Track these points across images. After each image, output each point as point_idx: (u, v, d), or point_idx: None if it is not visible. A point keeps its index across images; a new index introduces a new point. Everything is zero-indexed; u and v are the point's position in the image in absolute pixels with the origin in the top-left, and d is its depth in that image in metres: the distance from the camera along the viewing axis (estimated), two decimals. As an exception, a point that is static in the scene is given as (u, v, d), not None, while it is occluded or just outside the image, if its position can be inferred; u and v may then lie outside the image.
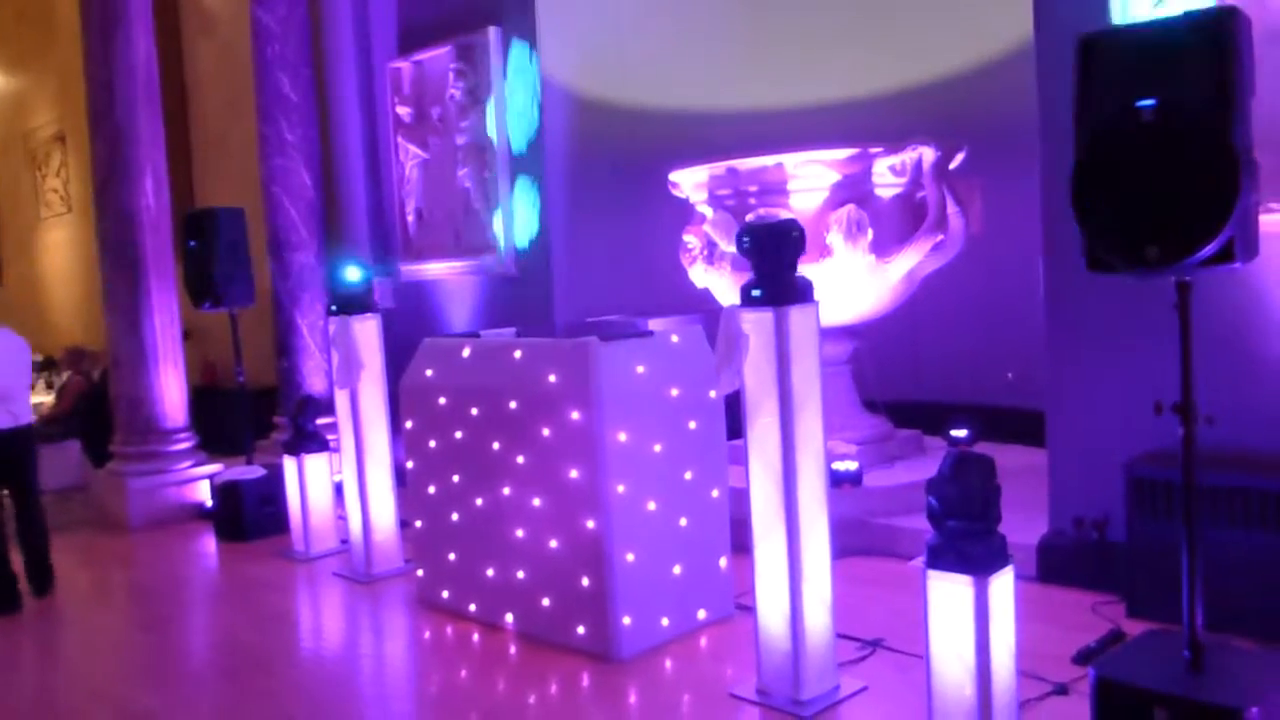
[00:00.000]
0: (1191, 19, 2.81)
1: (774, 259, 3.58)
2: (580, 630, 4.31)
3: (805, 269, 3.68)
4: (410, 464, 5.06)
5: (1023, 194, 5.58)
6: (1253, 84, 2.82)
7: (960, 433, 6.28)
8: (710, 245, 5.84)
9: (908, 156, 5.45)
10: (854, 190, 5.49)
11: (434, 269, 7.79)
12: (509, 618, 4.65)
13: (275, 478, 6.67)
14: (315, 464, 6.23)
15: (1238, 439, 3.96)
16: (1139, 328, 4.35)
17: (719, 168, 5.66)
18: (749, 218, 5.47)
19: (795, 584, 3.59)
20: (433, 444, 4.91)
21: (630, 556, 4.21)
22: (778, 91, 7.45)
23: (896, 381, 6.51)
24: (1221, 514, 3.96)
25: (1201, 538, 3.05)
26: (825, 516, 3.66)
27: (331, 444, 6.26)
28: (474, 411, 4.67)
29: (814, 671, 3.66)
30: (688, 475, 4.44)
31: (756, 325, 3.58)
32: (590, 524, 4.20)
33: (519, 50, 7.02)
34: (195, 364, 9.54)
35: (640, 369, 4.33)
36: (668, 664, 4.20)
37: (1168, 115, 2.75)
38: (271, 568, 6.11)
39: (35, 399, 6.95)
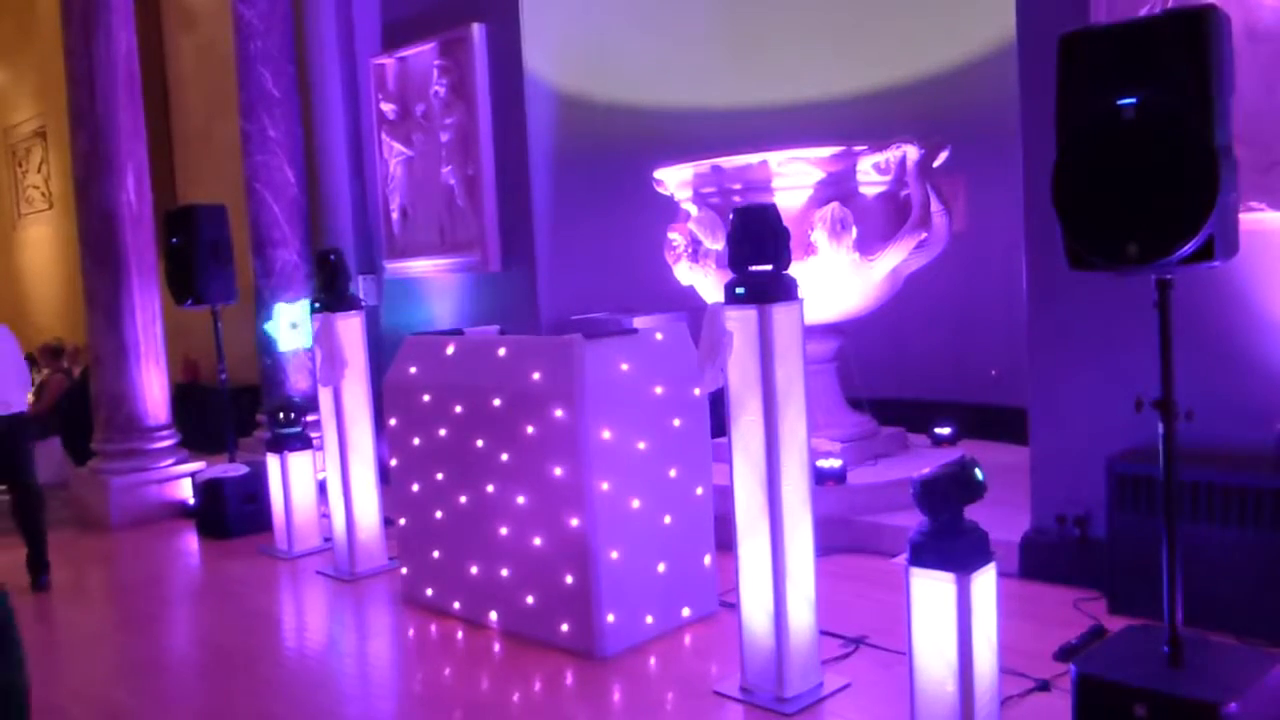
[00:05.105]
0: (1172, 18, 2.83)
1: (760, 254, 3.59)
2: (564, 628, 4.31)
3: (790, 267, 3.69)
4: (394, 461, 5.04)
5: (1006, 192, 5.61)
6: (1233, 82, 2.84)
7: (944, 430, 6.38)
8: (695, 243, 5.84)
9: (892, 155, 5.47)
10: (838, 188, 5.50)
11: (418, 266, 7.77)
12: (493, 615, 4.65)
13: (258, 475, 6.64)
14: (298, 462, 6.21)
15: (1218, 435, 3.99)
16: (1121, 325, 4.37)
17: (704, 165, 5.66)
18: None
19: (779, 581, 3.59)
20: (416, 441, 4.89)
21: (614, 554, 4.21)
22: (762, 90, 7.47)
23: (880, 379, 6.53)
24: (1202, 510, 3.99)
25: (1182, 533, 3.08)
26: (809, 514, 3.67)
27: (315, 442, 6.24)
28: (458, 409, 4.66)
29: (797, 669, 3.67)
30: (672, 473, 4.44)
31: (740, 323, 3.58)
32: (574, 522, 4.19)
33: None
34: (177, 361, 9.49)
35: (624, 367, 4.33)
36: (651, 661, 4.20)
37: (1148, 114, 2.77)
38: (254, 566, 6.09)
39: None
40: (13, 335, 6.05)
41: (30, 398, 9.86)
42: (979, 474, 3.11)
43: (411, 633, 4.81)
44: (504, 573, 4.54)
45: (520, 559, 4.46)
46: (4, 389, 5.80)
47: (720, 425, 3.90)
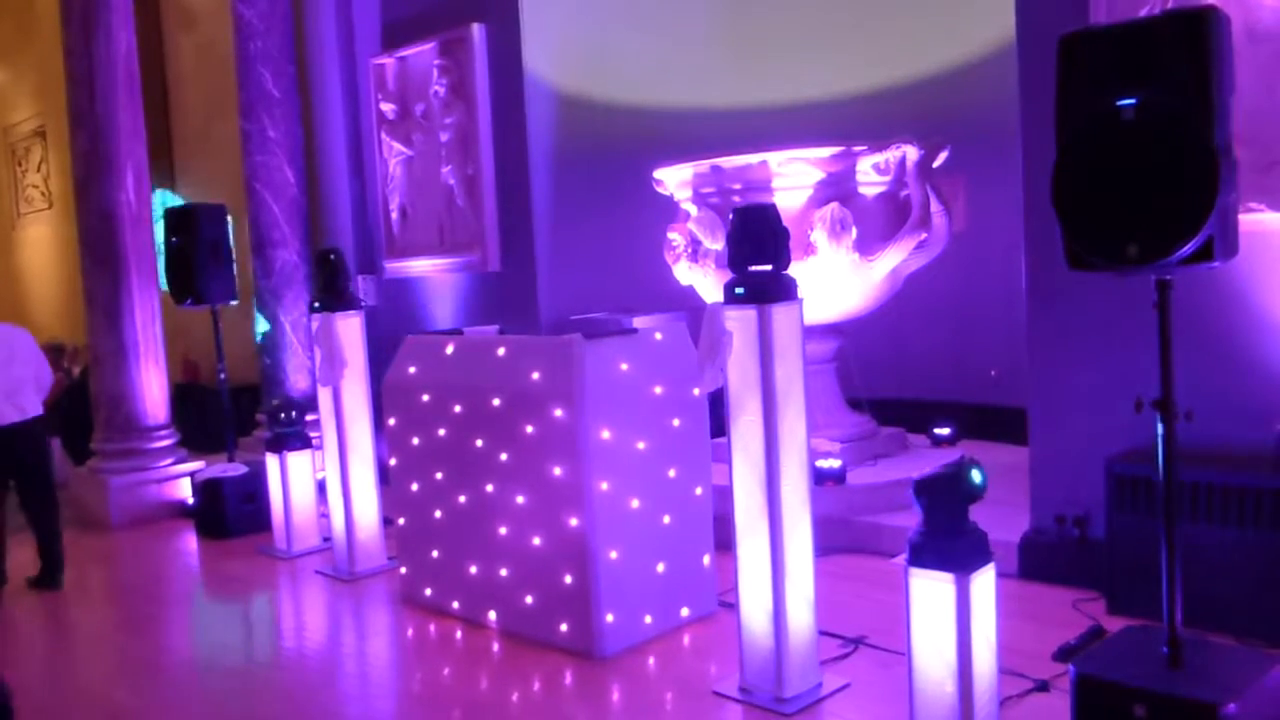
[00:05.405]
0: (1172, 18, 2.83)
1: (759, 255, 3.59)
2: (563, 628, 4.31)
3: (789, 267, 3.68)
4: (393, 461, 5.04)
5: (1005, 193, 5.61)
6: (1233, 83, 2.84)
7: (943, 430, 6.38)
8: (694, 243, 5.84)
9: (891, 155, 5.47)
10: (838, 188, 5.50)
11: (418, 266, 7.77)
12: (492, 615, 4.65)
13: (257, 475, 6.64)
14: (298, 461, 6.21)
15: (1218, 435, 3.98)
16: (1120, 325, 4.37)
17: (703, 165, 5.66)
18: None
19: (778, 581, 3.59)
20: (416, 441, 4.89)
21: (613, 554, 4.21)
22: (762, 90, 7.47)
23: (880, 379, 6.53)
24: (1201, 510, 3.99)
25: (1181, 534, 3.07)
26: (808, 514, 3.67)
27: (314, 441, 6.24)
28: (457, 409, 4.66)
29: (796, 669, 3.67)
30: (671, 473, 4.44)
31: (740, 323, 3.58)
32: (573, 521, 4.19)
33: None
34: (177, 361, 9.49)
35: (624, 367, 4.33)
36: (650, 661, 4.20)
37: (1148, 114, 2.77)
38: (253, 565, 6.09)
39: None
40: (33, 340, 6.01)
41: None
42: (977, 476, 3.11)
43: (410, 632, 4.81)
44: (503, 572, 4.54)
45: (519, 559, 4.46)
46: (20, 394, 5.74)
47: (720, 425, 3.90)
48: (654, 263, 6.25)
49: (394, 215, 7.92)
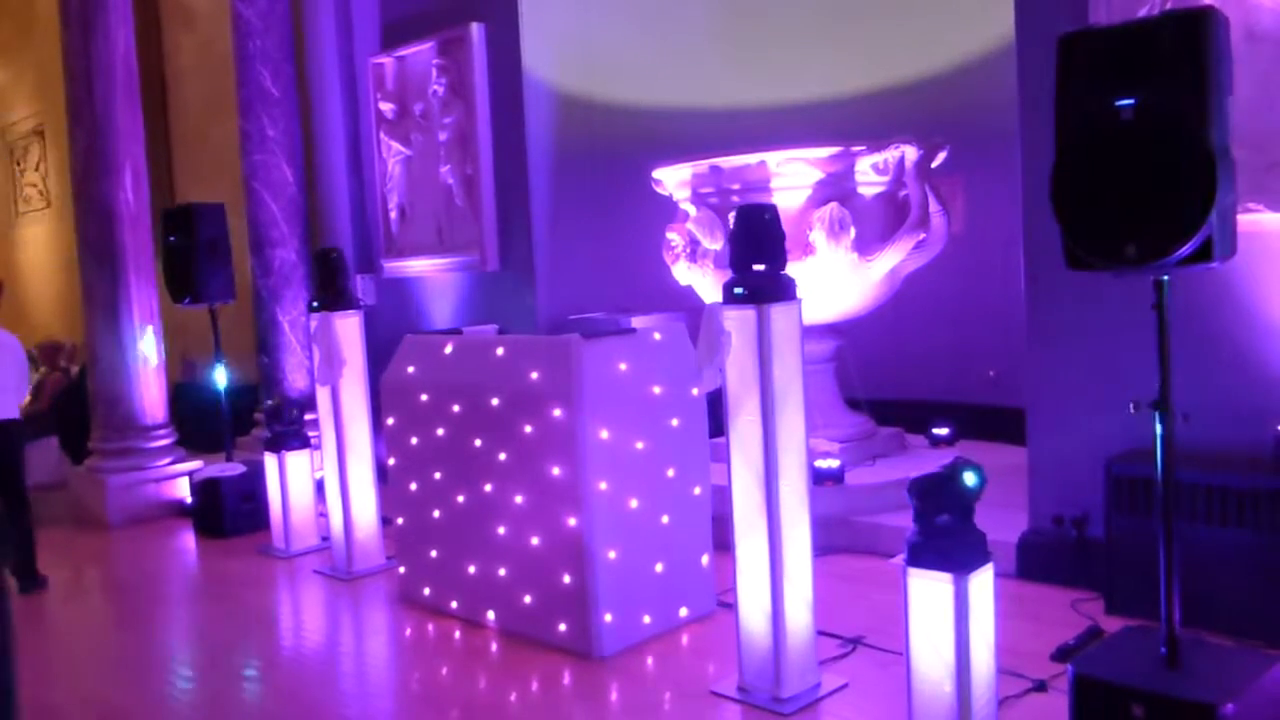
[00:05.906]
0: (1171, 19, 2.83)
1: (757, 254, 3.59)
2: (561, 627, 4.31)
3: (788, 267, 3.68)
4: (392, 461, 5.04)
5: (1004, 193, 5.62)
6: (1231, 83, 2.84)
7: (942, 431, 6.38)
8: (693, 243, 5.84)
9: (890, 155, 5.47)
10: (837, 188, 5.50)
11: (416, 265, 7.77)
12: (490, 615, 4.64)
13: (256, 474, 6.64)
14: (296, 461, 6.20)
15: (1216, 436, 3.98)
16: (1119, 326, 4.38)
17: (702, 165, 5.66)
18: (731, 215, 5.47)
19: (777, 581, 3.59)
20: (414, 441, 4.89)
21: (612, 554, 4.21)
22: (761, 90, 7.47)
23: (879, 380, 6.53)
24: (1199, 511, 3.99)
25: (1179, 535, 3.08)
26: (807, 514, 3.67)
27: (312, 441, 6.24)
28: (456, 408, 4.66)
29: (795, 669, 3.67)
30: (670, 473, 4.44)
31: (739, 323, 3.58)
32: (572, 521, 4.19)
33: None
34: (175, 360, 9.47)
35: (623, 366, 4.33)
36: (649, 661, 4.20)
37: (1147, 115, 2.77)
38: (252, 565, 6.08)
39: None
40: (20, 346, 5.96)
41: (28, 397, 9.85)
42: (970, 478, 3.11)
43: (409, 632, 4.81)
44: (501, 572, 4.54)
45: (518, 558, 4.46)
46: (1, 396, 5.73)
47: (718, 425, 3.90)
48: (653, 263, 6.25)
49: (393, 215, 7.92)
